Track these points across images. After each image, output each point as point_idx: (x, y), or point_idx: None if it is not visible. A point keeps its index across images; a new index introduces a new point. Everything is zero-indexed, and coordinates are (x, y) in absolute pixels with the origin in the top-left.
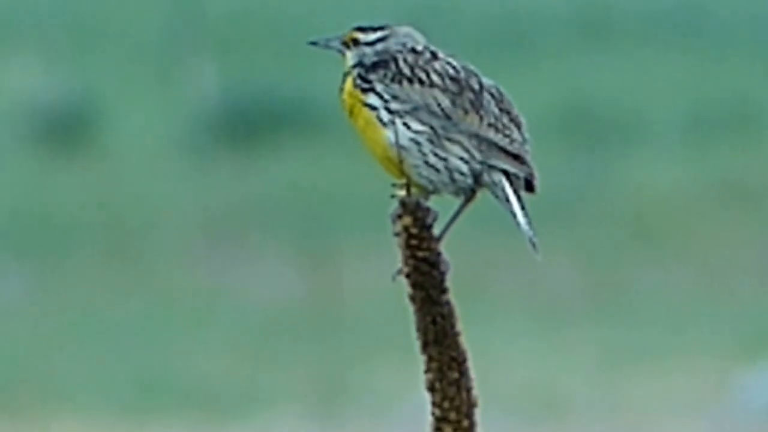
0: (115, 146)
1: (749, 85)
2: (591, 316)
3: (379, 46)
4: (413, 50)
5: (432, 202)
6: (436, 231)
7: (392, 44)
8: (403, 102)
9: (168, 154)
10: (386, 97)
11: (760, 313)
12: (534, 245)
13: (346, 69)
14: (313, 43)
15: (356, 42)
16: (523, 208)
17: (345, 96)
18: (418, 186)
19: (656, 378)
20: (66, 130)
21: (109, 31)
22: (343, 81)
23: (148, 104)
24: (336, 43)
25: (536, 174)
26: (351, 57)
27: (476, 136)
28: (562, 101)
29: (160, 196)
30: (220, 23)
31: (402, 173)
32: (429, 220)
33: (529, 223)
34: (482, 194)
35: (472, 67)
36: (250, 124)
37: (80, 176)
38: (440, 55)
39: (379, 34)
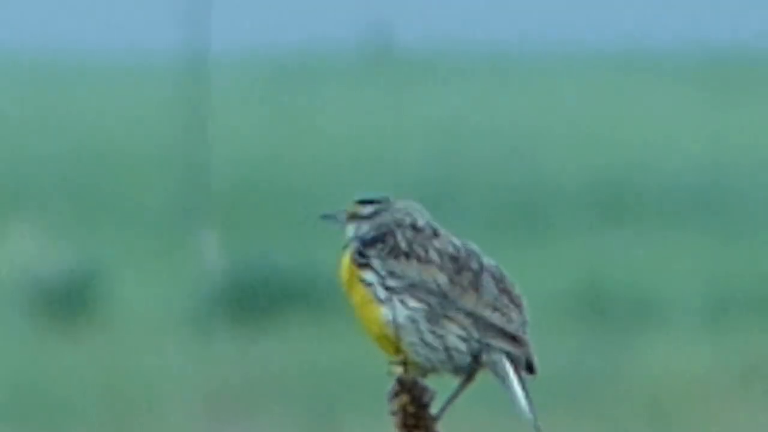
0: (118, 319)
1: None
2: None
3: (376, 220)
4: (413, 226)
5: (430, 381)
6: (433, 410)
7: (388, 218)
8: (399, 278)
9: (171, 328)
10: (383, 273)
11: None
12: (538, 430)
13: (345, 242)
14: (327, 217)
15: (355, 215)
16: (524, 388)
17: (342, 271)
18: (416, 364)
19: None
20: (67, 301)
21: (112, 203)
22: (342, 254)
23: (151, 277)
24: (343, 218)
25: (534, 355)
26: (350, 230)
27: (473, 315)
28: (577, 280)
29: (162, 370)
30: (225, 196)
31: (399, 351)
32: (426, 399)
33: (530, 404)
34: (483, 372)
35: (473, 247)
36: (255, 299)
37: (81, 349)
38: (441, 232)
39: (373, 208)
